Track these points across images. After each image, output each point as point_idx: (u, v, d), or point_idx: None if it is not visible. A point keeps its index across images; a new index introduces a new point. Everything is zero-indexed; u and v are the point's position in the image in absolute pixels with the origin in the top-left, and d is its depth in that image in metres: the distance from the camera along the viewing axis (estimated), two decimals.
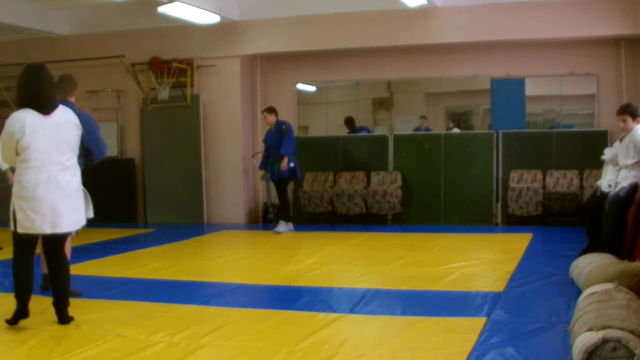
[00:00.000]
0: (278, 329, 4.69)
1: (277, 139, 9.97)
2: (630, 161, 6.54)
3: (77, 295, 5.76)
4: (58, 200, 4.60)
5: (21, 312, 4.67)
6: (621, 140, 6.84)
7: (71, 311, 4.82)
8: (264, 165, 10.30)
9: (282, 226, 9.95)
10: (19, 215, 4.58)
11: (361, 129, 11.76)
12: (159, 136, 11.58)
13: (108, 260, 6.33)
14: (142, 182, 11.75)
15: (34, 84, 4.61)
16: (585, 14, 9.78)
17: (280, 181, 10.04)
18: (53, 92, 4.72)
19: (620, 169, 6.74)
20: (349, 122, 11.77)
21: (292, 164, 9.95)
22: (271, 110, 10.15)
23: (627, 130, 6.77)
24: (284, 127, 9.96)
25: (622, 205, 6.45)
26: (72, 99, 6.02)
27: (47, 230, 4.60)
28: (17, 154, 4.57)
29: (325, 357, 3.97)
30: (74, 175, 4.76)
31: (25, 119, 4.55)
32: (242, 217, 11.37)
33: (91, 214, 5.09)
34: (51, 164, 4.60)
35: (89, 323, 4.82)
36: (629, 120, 6.73)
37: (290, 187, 11.44)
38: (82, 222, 4.85)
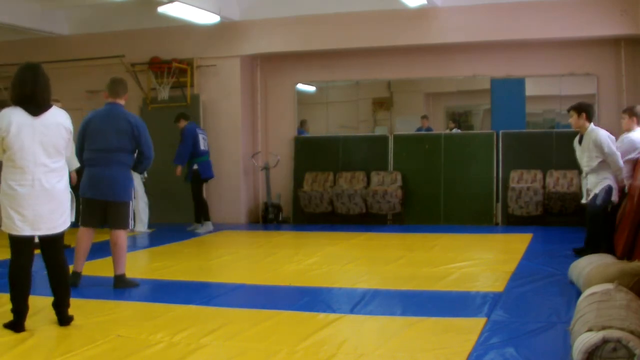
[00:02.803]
0: (278, 329, 4.69)
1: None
2: (594, 162, 6.55)
3: (135, 286, 6.09)
4: (41, 203, 4.54)
5: (19, 315, 4.58)
6: (580, 142, 6.88)
7: (71, 311, 4.80)
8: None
9: (202, 227, 10.15)
10: (2, 213, 4.55)
11: (302, 132, 11.86)
12: (159, 136, 11.44)
13: (108, 261, 6.31)
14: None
15: (30, 83, 4.56)
16: (585, 14, 9.78)
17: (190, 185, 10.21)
18: (48, 93, 4.65)
19: (587, 175, 6.75)
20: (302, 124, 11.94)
21: (195, 166, 10.07)
22: (177, 118, 10.23)
23: (577, 127, 6.86)
24: (180, 134, 10.07)
25: (601, 213, 6.52)
26: (122, 102, 6.08)
27: (27, 232, 4.54)
28: (4, 150, 4.54)
29: (325, 357, 3.97)
30: (60, 178, 4.67)
31: (12, 117, 4.50)
32: (242, 217, 11.36)
33: (72, 218, 5.01)
34: (36, 165, 4.53)
35: (89, 323, 4.81)
36: (575, 116, 6.79)
37: (289, 186, 11.45)
38: (66, 224, 4.76)
